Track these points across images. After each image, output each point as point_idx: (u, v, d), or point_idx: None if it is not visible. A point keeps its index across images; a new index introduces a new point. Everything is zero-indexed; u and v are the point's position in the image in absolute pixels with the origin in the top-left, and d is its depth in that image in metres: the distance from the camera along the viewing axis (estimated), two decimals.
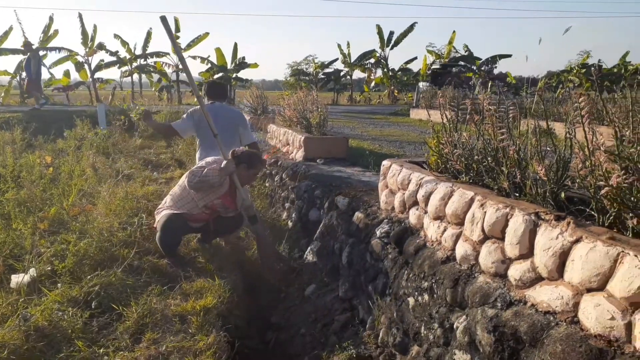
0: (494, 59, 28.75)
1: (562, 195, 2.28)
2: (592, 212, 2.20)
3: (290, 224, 5.66)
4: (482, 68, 28.90)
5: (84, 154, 8.72)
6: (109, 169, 7.56)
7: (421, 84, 27.16)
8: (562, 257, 2.02)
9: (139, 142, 10.35)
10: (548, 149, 2.61)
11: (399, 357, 3.02)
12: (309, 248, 4.73)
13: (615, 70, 27.25)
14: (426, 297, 2.84)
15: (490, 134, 2.84)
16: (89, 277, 3.64)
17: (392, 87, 29.19)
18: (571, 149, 2.44)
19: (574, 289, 1.94)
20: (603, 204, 2.14)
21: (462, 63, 29.19)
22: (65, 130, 10.33)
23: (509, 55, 29.12)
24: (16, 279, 3.55)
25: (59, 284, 3.58)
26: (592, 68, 26.90)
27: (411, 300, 2.98)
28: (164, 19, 4.40)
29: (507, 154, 2.62)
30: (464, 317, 2.45)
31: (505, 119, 2.73)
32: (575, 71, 27.48)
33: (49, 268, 3.81)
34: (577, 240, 1.97)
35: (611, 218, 2.09)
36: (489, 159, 2.76)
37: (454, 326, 2.52)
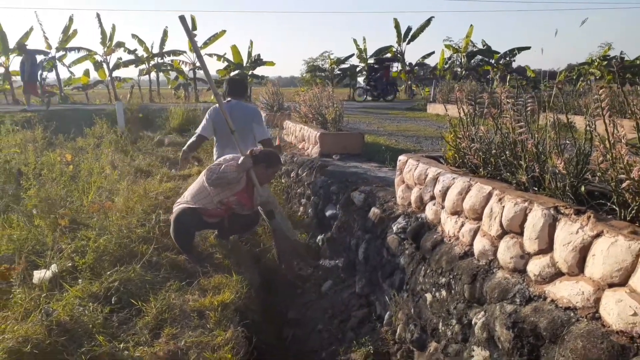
0: (512, 52, 28.33)
1: (583, 189, 2.24)
2: (614, 206, 2.16)
3: (306, 219, 5.67)
4: (501, 61, 28.52)
5: (103, 152, 8.85)
6: (128, 166, 7.66)
7: (361, 80, 26.42)
8: (583, 252, 1.98)
9: (156, 139, 10.45)
10: (567, 142, 2.56)
11: (417, 354, 3.00)
12: (326, 244, 4.73)
13: (638, 62, 26.61)
14: (444, 293, 2.81)
15: (508, 127, 2.80)
16: (108, 272, 3.69)
17: (410, 82, 28.99)
18: (591, 142, 2.39)
19: (595, 285, 1.90)
20: (624, 197, 2.10)
21: (479, 57, 28.84)
22: (84, 129, 10.48)
23: (528, 48, 28.66)
24: (38, 275, 3.62)
25: (79, 280, 3.64)
26: (614, 60, 26.38)
27: (429, 296, 2.96)
28: (182, 18, 4.42)
29: (526, 147, 2.58)
30: (483, 313, 2.42)
31: (523, 112, 2.69)
32: (596, 64, 26.93)
33: (70, 264, 3.86)
34: (598, 235, 1.93)
35: (633, 212, 2.05)
36: (507, 152, 2.72)
37: (472, 322, 2.49)
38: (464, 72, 27.90)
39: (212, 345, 2.93)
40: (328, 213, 4.88)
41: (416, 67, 29.63)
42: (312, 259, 4.83)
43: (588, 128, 2.38)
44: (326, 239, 4.73)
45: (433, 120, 12.13)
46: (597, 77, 26.44)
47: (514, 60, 29.00)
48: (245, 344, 3.04)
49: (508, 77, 27.95)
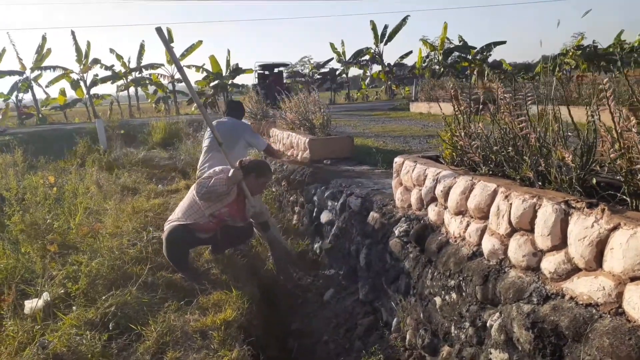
0: (488, 47, 28.64)
1: (594, 181, 2.19)
2: (624, 197, 2.11)
3: (301, 227, 5.58)
4: (478, 57, 28.80)
5: (87, 172, 8.66)
6: (113, 184, 7.50)
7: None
8: (600, 246, 1.93)
9: (141, 155, 10.28)
10: (569, 134, 2.52)
11: (429, 359, 2.93)
12: (324, 251, 4.64)
13: (611, 49, 27.08)
14: (454, 295, 2.75)
15: (507, 122, 2.75)
16: (103, 297, 3.57)
17: (389, 82, 29.12)
18: (595, 133, 2.35)
19: (616, 279, 1.85)
20: (637, 187, 2.05)
21: (457, 53, 29.09)
22: (65, 149, 10.26)
23: (504, 42, 29.01)
24: (30, 305, 3.47)
25: (73, 307, 3.50)
26: (587, 49, 26.81)
27: (438, 299, 2.89)
28: (159, 30, 4.34)
29: (529, 142, 2.53)
30: (498, 314, 2.36)
31: (523, 106, 2.64)
32: (571, 54, 27.34)
33: (62, 291, 3.73)
34: (615, 228, 1.88)
35: None
36: (509, 148, 2.67)
37: (487, 324, 2.43)
38: (442, 69, 28.13)
39: None
40: (324, 220, 4.80)
41: (394, 67, 29.78)
42: (309, 268, 4.75)
43: (590, 118, 2.34)
44: (324, 246, 4.65)
45: (417, 119, 12.14)
46: (573, 67, 26.85)
47: (491, 55, 29.33)
48: None
49: (486, 71, 28.30)
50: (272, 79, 21.73)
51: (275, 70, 23.97)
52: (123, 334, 3.22)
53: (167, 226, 4.21)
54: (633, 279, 1.78)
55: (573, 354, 1.91)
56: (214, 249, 4.64)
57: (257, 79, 23.57)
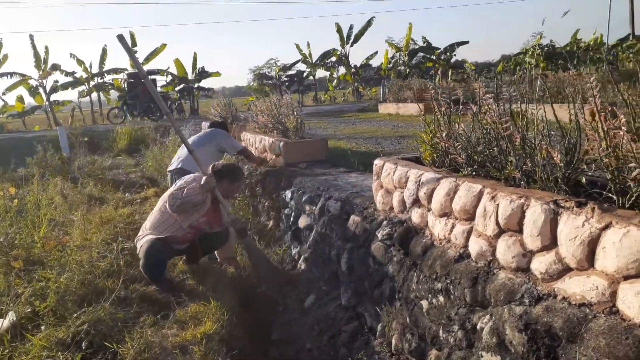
0: (452, 47, 29.12)
1: (583, 179, 2.19)
2: (610, 195, 2.11)
3: (278, 233, 5.48)
4: (442, 57, 29.25)
5: (50, 182, 8.32)
6: (79, 194, 7.23)
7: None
8: (591, 245, 1.92)
9: (108, 163, 9.97)
10: (553, 132, 2.52)
11: None
12: (302, 257, 4.56)
13: (568, 48, 27.95)
14: (441, 298, 2.71)
15: (490, 122, 2.74)
16: (74, 315, 3.38)
17: (356, 84, 29.25)
18: (579, 131, 2.35)
19: (609, 278, 1.84)
20: (623, 184, 2.06)
21: (421, 54, 29.46)
22: (26, 159, 9.84)
23: (467, 42, 29.54)
24: None
25: (42, 327, 3.31)
26: (546, 48, 27.60)
27: (424, 303, 2.85)
28: (121, 38, 4.22)
29: (513, 141, 2.52)
30: (489, 316, 2.33)
31: (505, 105, 2.63)
32: (530, 53, 28.09)
33: (29, 309, 3.52)
34: (607, 227, 1.87)
35: (632, 199, 2.01)
36: (495, 148, 2.65)
37: (478, 327, 2.40)
38: (407, 70, 28.43)
39: None
40: (302, 224, 4.72)
41: (361, 69, 29.92)
42: (288, 274, 4.66)
43: (574, 117, 2.34)
44: (303, 252, 4.57)
45: (387, 120, 12.19)
46: (534, 66, 27.59)
47: (454, 55, 29.83)
48: None
49: (450, 71, 28.78)
50: (142, 89, 19.14)
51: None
52: (97, 353, 3.06)
53: (142, 240, 4.05)
54: (627, 278, 1.77)
55: (568, 354, 1.89)
56: (188, 259, 4.51)
57: (125, 89, 21.28)
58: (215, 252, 4.69)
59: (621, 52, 26.05)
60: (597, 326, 1.81)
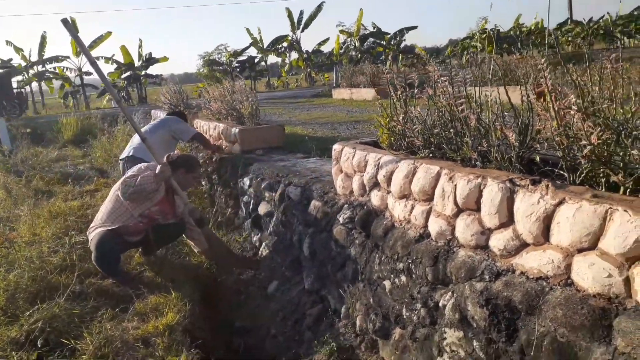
0: (401, 32, 29.49)
1: (537, 157, 2.28)
2: (562, 172, 2.21)
3: (237, 221, 5.43)
4: (392, 42, 29.58)
5: None
6: (24, 188, 6.88)
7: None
8: (547, 221, 2.00)
9: (54, 155, 9.53)
10: (506, 113, 2.60)
11: (381, 342, 2.95)
12: (264, 243, 4.54)
13: (512, 32, 28.88)
14: (403, 278, 2.77)
15: (445, 105, 2.79)
16: (27, 313, 3.24)
17: (309, 70, 29.17)
18: (531, 112, 2.43)
19: (564, 251, 1.93)
20: (573, 162, 2.15)
21: (372, 39, 29.68)
22: None
23: (416, 27, 30.00)
24: None
25: None
26: (491, 32, 28.40)
27: (387, 283, 2.91)
28: (65, 22, 4.00)
29: (468, 123, 2.59)
30: (450, 293, 2.40)
31: (460, 88, 2.69)
32: (476, 37, 28.86)
33: None
34: (560, 203, 1.95)
35: (582, 176, 2.11)
36: (451, 130, 2.71)
37: (440, 304, 2.47)
38: (359, 55, 28.60)
39: None
40: (262, 211, 4.69)
41: (312, 54, 29.85)
42: (249, 261, 4.63)
43: (527, 98, 2.42)
44: (264, 238, 4.55)
45: (341, 106, 12.23)
46: (480, 50, 28.36)
47: (404, 40, 30.25)
48: None
49: (400, 56, 29.18)
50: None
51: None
52: (54, 351, 2.96)
53: (93, 233, 3.91)
54: (580, 251, 1.86)
55: (527, 326, 1.98)
56: (144, 251, 4.40)
57: None
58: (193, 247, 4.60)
59: (561, 35, 27.14)
60: (554, 298, 1.90)
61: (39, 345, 2.96)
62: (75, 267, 3.89)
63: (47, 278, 3.75)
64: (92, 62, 4.61)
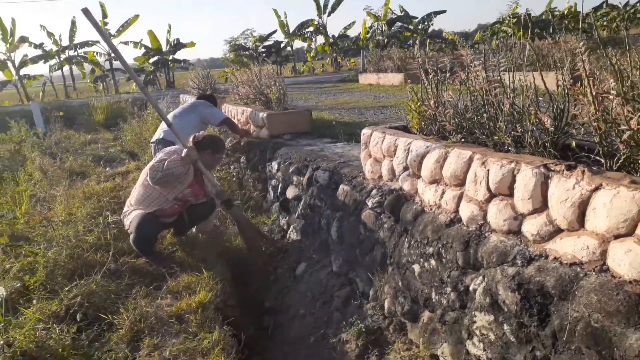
0: (429, 17, 28.98)
1: (573, 143, 2.25)
2: (598, 158, 2.18)
3: (265, 204, 5.50)
4: (419, 27, 29.12)
5: (28, 158, 8.14)
6: (59, 169, 7.09)
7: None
8: (582, 207, 1.98)
9: (88, 137, 9.76)
10: (540, 98, 2.57)
11: (410, 325, 2.98)
12: (292, 227, 4.60)
13: (544, 17, 28.09)
14: (433, 262, 2.79)
15: (478, 90, 2.77)
16: (66, 288, 3.38)
17: (335, 54, 28.98)
18: (567, 96, 2.40)
19: (600, 238, 1.91)
20: (611, 147, 2.12)
21: (399, 23, 29.26)
22: None
23: (444, 12, 29.45)
24: None
25: (34, 300, 3.30)
26: (524, 16, 27.69)
27: (416, 267, 2.93)
28: (86, 11, 4.07)
29: (502, 108, 2.56)
30: (481, 278, 2.41)
31: (494, 72, 2.66)
32: (507, 22, 28.15)
33: (19, 284, 3.50)
34: (597, 188, 1.93)
35: (620, 162, 2.08)
36: (484, 115, 2.69)
37: (470, 288, 2.48)
38: (386, 40, 28.26)
39: (201, 350, 2.76)
40: (290, 195, 4.74)
41: (339, 39, 29.62)
42: (275, 244, 4.70)
43: (563, 82, 2.38)
44: (292, 221, 4.60)
45: (367, 91, 12.17)
46: (510, 34, 27.69)
47: (432, 25, 29.73)
48: (235, 343, 2.89)
49: (428, 41, 28.74)
50: None
51: None
52: (92, 325, 3.08)
53: (131, 215, 4.02)
54: (617, 237, 1.85)
55: (560, 311, 1.98)
56: (176, 231, 4.51)
57: None
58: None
59: (596, 20, 26.30)
60: (589, 284, 1.89)
61: (78, 319, 3.09)
62: (109, 246, 4.02)
63: (83, 256, 3.89)
64: (114, 49, 4.69)
